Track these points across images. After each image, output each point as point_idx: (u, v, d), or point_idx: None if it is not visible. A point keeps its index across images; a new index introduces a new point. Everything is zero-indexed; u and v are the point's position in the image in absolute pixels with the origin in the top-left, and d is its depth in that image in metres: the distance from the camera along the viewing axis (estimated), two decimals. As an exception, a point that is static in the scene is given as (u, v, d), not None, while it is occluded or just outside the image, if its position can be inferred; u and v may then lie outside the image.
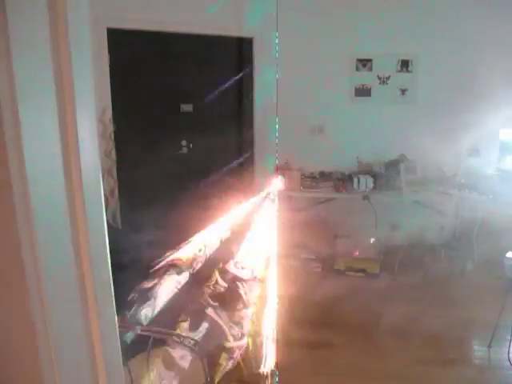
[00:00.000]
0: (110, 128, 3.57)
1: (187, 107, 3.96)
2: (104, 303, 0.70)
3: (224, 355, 1.72)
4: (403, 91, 4.11)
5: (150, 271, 1.75)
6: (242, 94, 4.10)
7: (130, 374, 1.45)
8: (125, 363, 1.41)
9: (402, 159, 3.91)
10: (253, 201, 2.36)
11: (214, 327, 1.74)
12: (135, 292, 1.62)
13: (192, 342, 1.62)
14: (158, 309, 1.59)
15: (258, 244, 2.29)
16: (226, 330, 1.76)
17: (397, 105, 4.13)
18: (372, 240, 3.97)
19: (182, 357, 1.73)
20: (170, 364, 1.72)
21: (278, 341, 2.10)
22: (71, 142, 0.62)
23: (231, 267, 2.09)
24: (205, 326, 1.73)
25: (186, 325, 1.70)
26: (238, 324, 1.87)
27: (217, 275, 2.01)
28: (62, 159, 0.61)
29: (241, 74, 4.07)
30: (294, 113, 4.02)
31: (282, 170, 3.93)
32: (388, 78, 4.10)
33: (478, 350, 2.76)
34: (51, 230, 0.60)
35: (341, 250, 4.06)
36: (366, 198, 3.71)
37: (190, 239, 1.96)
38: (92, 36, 0.66)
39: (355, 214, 3.94)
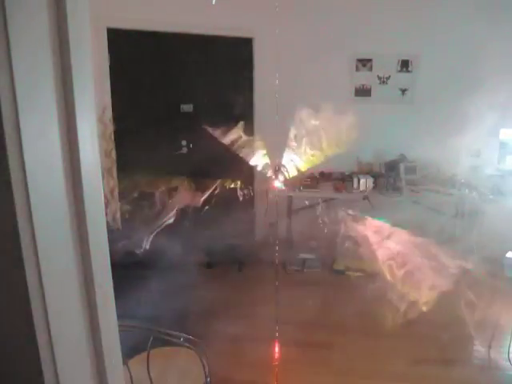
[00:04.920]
0: (110, 128, 3.57)
1: (187, 107, 3.96)
2: (104, 303, 0.70)
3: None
4: (403, 91, 4.11)
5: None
6: (242, 94, 4.10)
7: (130, 374, 1.45)
8: (125, 363, 1.41)
9: (401, 159, 3.91)
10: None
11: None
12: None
13: (192, 341, 1.62)
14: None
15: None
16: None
17: (397, 105, 4.13)
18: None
19: (182, 357, 1.73)
20: (169, 364, 1.72)
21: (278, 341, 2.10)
22: (71, 142, 0.62)
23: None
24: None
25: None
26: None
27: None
28: (62, 159, 0.61)
29: (241, 74, 4.07)
30: (294, 113, 4.03)
31: (281, 170, 3.93)
32: (388, 77, 4.10)
33: (478, 350, 2.76)
34: (51, 230, 0.60)
35: (341, 250, 4.06)
36: (365, 198, 3.71)
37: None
38: (92, 36, 0.66)
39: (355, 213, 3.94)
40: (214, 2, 3.13)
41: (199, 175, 3.86)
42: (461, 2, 3.83)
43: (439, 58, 3.94)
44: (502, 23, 3.75)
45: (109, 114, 3.54)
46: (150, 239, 2.34)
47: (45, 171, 0.59)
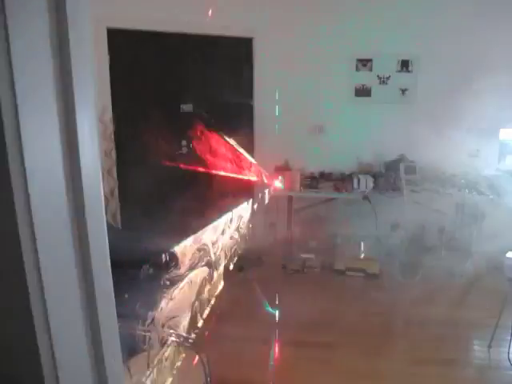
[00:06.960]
0: (110, 128, 3.57)
1: (187, 107, 3.96)
2: (104, 303, 0.70)
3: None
4: (403, 91, 4.11)
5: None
6: (242, 94, 4.10)
7: (130, 374, 1.45)
8: (125, 363, 1.41)
9: (401, 159, 3.91)
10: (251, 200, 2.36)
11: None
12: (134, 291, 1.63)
13: (192, 341, 1.63)
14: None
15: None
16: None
17: (397, 105, 4.13)
18: (372, 240, 3.97)
19: (182, 356, 1.73)
20: (169, 364, 1.72)
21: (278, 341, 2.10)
22: (71, 142, 0.62)
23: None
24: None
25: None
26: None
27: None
28: (62, 159, 0.61)
29: (241, 74, 4.07)
30: (294, 113, 4.03)
31: (282, 170, 3.94)
32: (388, 77, 4.10)
33: (478, 350, 2.76)
34: (51, 230, 0.60)
35: (341, 250, 4.06)
36: (365, 198, 3.71)
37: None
38: (92, 36, 0.66)
39: (355, 213, 3.94)
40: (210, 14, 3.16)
41: (199, 175, 3.85)
42: (461, 2, 3.83)
43: (439, 58, 3.94)
44: (501, 23, 3.76)
45: (109, 114, 3.54)
46: (149, 239, 2.34)
47: (45, 171, 0.59)
